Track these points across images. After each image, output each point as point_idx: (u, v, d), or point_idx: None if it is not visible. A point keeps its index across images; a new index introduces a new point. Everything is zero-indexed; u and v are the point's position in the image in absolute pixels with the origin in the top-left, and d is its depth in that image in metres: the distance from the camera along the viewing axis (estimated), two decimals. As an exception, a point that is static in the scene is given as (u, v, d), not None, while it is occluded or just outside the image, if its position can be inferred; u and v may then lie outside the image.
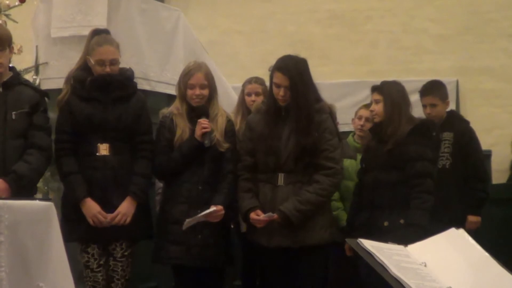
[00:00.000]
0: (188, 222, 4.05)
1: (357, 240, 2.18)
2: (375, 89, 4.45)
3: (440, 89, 5.33)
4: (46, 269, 3.02)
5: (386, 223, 4.20)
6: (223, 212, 4.11)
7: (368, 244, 2.17)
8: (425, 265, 2.25)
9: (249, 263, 5.12)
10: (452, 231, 2.48)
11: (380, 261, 2.10)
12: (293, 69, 4.06)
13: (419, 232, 3.98)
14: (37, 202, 3.18)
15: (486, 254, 2.39)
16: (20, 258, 2.94)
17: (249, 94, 5.17)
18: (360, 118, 5.18)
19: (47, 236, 3.10)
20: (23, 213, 3.00)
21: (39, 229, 3.06)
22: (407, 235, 3.98)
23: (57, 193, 4.78)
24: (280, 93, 4.09)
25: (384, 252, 2.13)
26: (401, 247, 2.30)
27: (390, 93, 4.38)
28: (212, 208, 4.07)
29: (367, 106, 5.01)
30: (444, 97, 5.30)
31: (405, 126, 4.30)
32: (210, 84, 4.31)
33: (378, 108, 4.38)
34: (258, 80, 5.23)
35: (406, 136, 4.28)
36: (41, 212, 3.12)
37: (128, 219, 4.08)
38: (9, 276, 2.82)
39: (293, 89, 4.05)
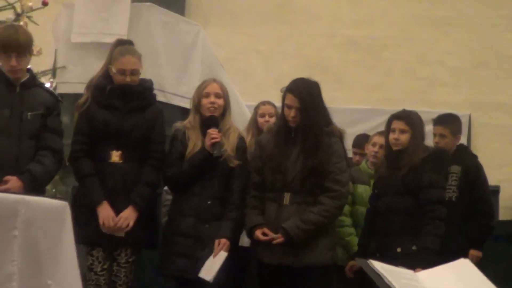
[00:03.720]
0: (205, 273, 4.06)
1: (367, 261, 2.18)
2: (400, 118, 4.45)
3: (453, 122, 5.33)
4: (56, 267, 3.03)
5: (399, 249, 4.25)
6: (228, 243, 4.12)
7: (378, 265, 2.17)
8: None
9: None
10: (460, 261, 2.49)
11: (388, 282, 2.11)
12: (304, 92, 4.11)
13: (430, 256, 4.04)
14: (52, 200, 3.19)
15: (492, 285, 2.39)
16: (32, 254, 2.95)
17: (263, 115, 5.20)
18: (374, 144, 5.17)
19: (60, 235, 3.11)
20: (39, 210, 3.02)
21: (53, 227, 3.08)
22: (419, 259, 4.01)
23: (65, 197, 4.79)
24: (290, 114, 4.13)
25: (394, 274, 2.14)
26: (410, 271, 2.32)
27: (418, 124, 4.43)
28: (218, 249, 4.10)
29: (381, 133, 5.00)
30: (455, 131, 5.29)
31: (420, 154, 4.35)
32: (225, 96, 4.33)
33: (404, 138, 4.39)
34: (271, 103, 5.27)
35: (420, 163, 4.33)
36: (56, 210, 3.14)
37: (131, 223, 4.08)
38: (20, 271, 2.83)
39: (303, 111, 4.09)
